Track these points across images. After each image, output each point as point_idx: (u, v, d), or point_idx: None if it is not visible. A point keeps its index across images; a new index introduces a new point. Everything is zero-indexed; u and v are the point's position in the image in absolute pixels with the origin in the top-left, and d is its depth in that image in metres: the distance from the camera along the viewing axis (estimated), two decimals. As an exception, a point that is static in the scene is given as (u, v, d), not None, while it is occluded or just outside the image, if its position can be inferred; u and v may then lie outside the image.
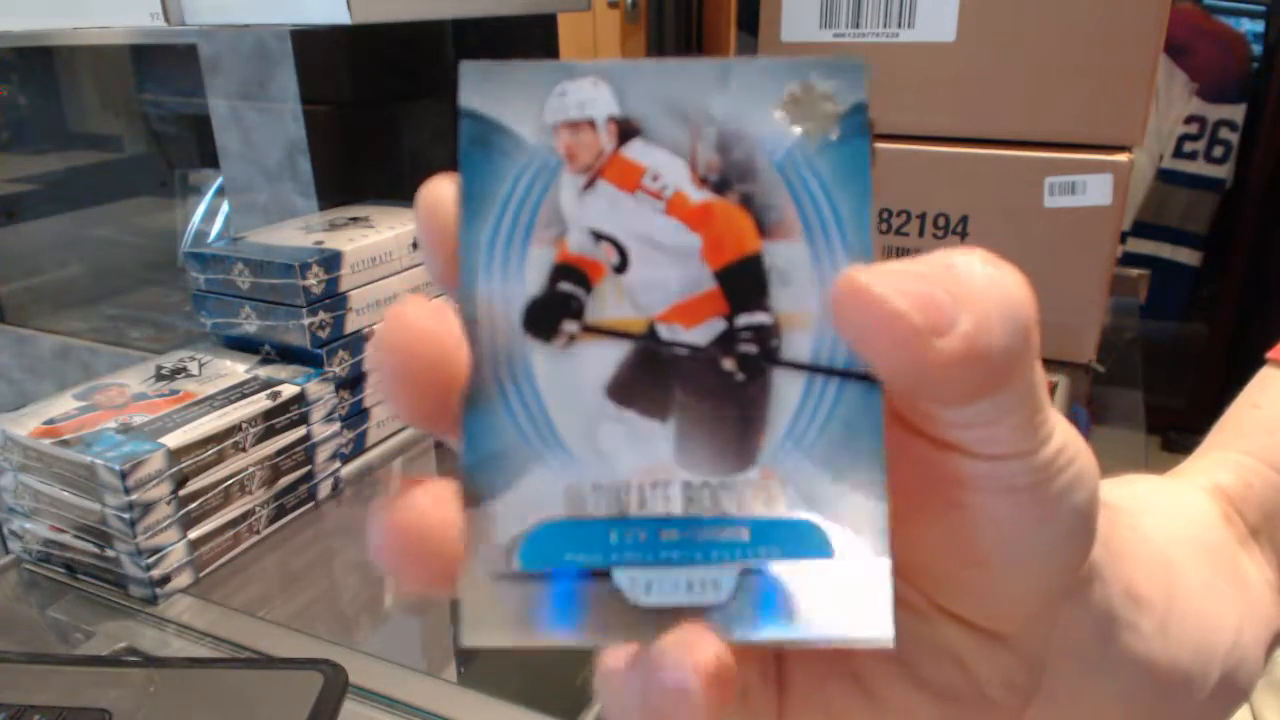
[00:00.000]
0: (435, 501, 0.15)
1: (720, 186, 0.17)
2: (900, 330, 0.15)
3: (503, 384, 0.16)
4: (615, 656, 0.16)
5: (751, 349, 0.16)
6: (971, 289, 0.15)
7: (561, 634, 0.16)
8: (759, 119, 0.17)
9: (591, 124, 0.17)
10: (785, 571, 0.16)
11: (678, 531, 0.16)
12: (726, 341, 0.17)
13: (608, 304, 0.17)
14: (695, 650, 0.15)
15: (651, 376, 0.17)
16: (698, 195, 0.17)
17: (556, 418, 0.16)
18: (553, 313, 0.16)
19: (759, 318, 0.16)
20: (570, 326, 0.16)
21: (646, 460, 0.16)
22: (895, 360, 0.15)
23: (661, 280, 0.17)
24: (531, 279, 0.16)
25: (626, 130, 0.17)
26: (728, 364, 0.16)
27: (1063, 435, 0.17)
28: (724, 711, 0.15)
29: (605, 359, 0.16)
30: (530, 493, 0.16)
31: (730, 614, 0.16)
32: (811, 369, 0.16)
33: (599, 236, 0.17)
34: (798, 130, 0.16)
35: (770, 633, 0.16)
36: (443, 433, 0.16)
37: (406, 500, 0.15)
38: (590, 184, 0.17)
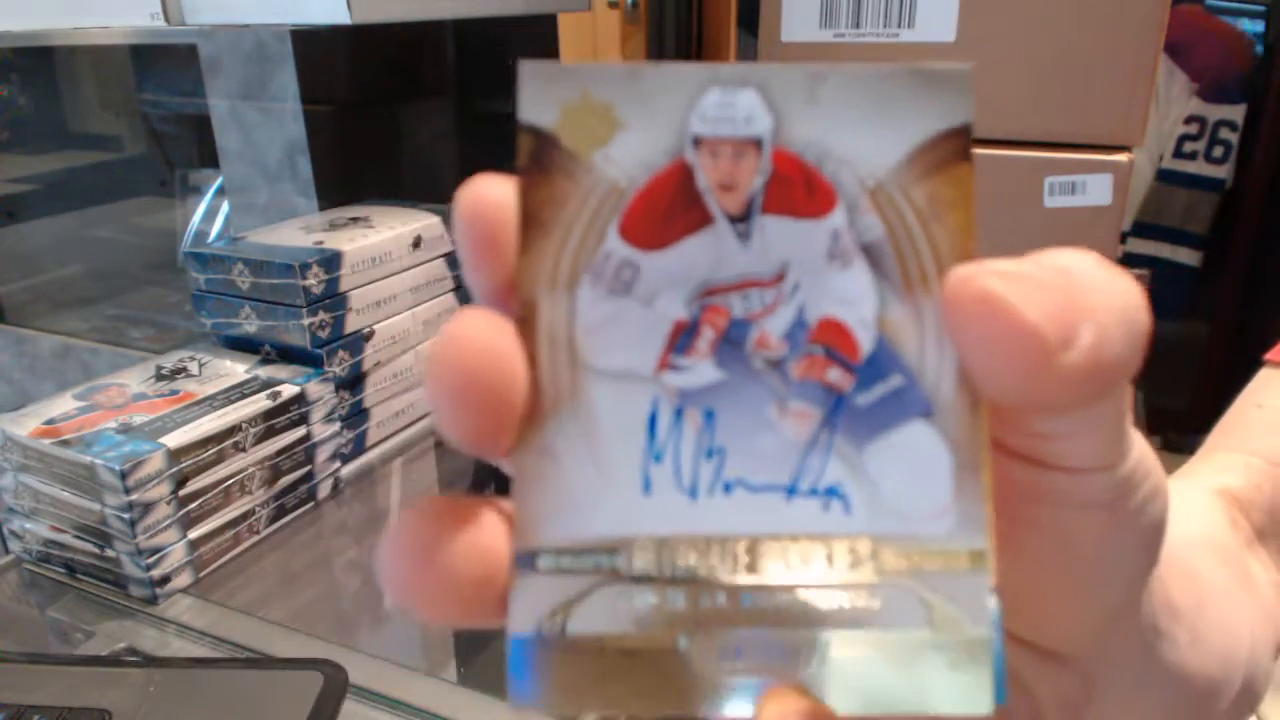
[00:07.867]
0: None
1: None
2: (1030, 345, 0.13)
3: None
4: None
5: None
6: (1092, 297, 0.14)
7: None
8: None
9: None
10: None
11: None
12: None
13: None
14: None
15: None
16: None
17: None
18: None
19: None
20: None
21: None
22: (1014, 375, 0.13)
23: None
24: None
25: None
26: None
27: (1139, 447, 0.16)
28: None
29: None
30: None
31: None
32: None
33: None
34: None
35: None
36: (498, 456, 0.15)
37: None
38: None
